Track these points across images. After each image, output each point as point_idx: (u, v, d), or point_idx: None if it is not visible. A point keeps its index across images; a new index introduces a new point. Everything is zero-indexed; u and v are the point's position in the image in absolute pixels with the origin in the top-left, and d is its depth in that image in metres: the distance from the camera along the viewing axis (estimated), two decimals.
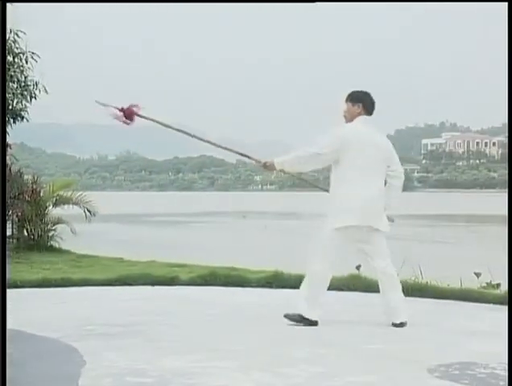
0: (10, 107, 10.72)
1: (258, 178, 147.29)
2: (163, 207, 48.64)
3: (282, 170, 5.81)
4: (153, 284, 7.59)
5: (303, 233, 22.40)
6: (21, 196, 12.08)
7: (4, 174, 3.17)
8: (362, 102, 5.81)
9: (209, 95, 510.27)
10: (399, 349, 4.61)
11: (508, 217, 6.85)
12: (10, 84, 10.77)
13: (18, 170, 12.46)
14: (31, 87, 10.97)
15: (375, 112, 5.81)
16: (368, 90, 5.91)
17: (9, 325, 5.32)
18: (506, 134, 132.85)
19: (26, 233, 12.43)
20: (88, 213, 12.76)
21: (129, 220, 32.73)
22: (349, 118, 5.77)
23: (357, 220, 5.49)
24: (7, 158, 12.03)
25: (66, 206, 12.80)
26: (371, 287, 6.52)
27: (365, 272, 7.09)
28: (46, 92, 11.12)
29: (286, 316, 5.51)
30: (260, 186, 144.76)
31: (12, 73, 10.81)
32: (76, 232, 12.53)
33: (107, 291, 7.35)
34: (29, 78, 11.10)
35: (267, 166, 5.80)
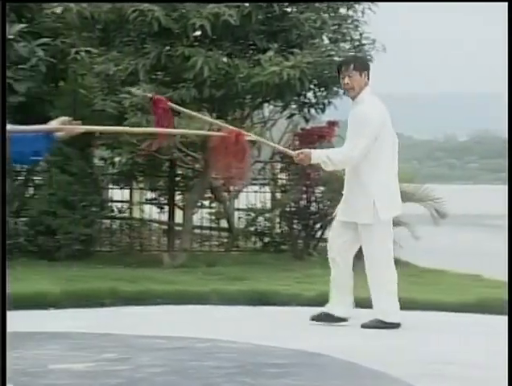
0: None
1: None
2: None
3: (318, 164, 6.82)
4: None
5: None
6: None
7: (4, 172, 3.40)
8: (368, 69, 6.73)
9: None
10: None
11: (508, 216, 7.85)
12: (342, 44, 11.28)
13: None
14: (366, 47, 11.33)
15: None
16: None
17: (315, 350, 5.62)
18: None
19: None
20: (435, 214, 12.85)
21: (484, 224, 32.35)
22: (357, 90, 6.61)
23: (400, 208, 6.78)
24: (334, 139, 12.66)
25: (406, 203, 13.03)
26: None
27: None
28: (384, 51, 11.40)
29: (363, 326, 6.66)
30: None
31: (345, 30, 11.30)
32: (417, 238, 12.70)
33: (461, 319, 7.43)
34: (364, 35, 11.48)
35: (301, 159, 6.71)
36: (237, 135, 6.02)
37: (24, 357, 5.34)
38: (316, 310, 7.04)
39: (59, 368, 5.04)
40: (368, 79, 6.73)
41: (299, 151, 6.92)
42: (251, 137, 6.89)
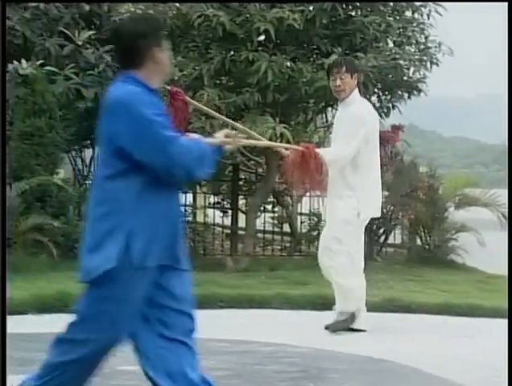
0: (405, 77, 11.14)
1: None
2: None
3: None
4: None
5: None
6: (414, 194, 12.50)
7: (4, 173, 3.46)
8: (358, 72, 6.88)
9: None
10: None
11: (508, 216, 8.29)
12: (407, 47, 11.24)
13: (412, 161, 12.87)
14: (432, 50, 11.24)
15: None
16: None
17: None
18: None
19: (419, 242, 12.88)
20: (502, 219, 12.72)
21: None
22: (348, 92, 6.67)
23: (379, 210, 7.00)
24: (399, 144, 12.64)
25: (472, 208, 12.93)
26: None
27: None
28: (451, 54, 11.30)
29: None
30: None
31: (410, 33, 11.25)
32: (484, 244, 12.58)
33: None
34: (430, 38, 11.40)
35: None
36: (313, 149, 6.38)
37: None
38: (380, 316, 7.07)
39: (127, 370, 5.15)
40: (357, 81, 6.82)
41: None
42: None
